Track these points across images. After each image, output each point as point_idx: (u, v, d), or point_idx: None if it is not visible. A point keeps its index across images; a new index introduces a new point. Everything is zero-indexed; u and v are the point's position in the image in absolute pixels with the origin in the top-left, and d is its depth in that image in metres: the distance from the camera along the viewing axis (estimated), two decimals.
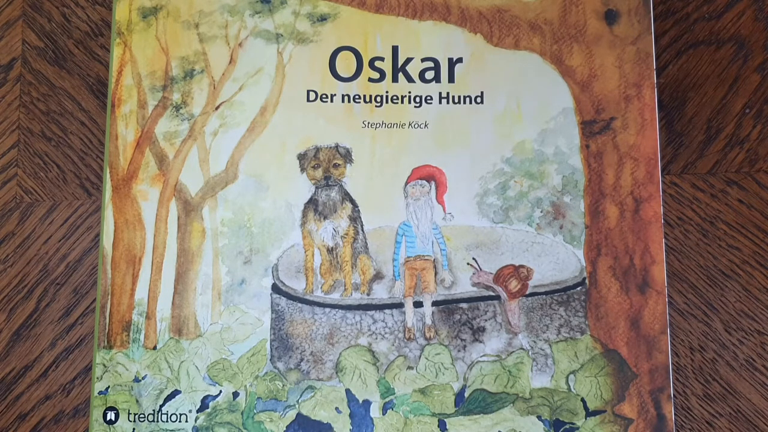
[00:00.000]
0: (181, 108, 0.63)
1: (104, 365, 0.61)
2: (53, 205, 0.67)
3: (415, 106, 0.63)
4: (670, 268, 0.64)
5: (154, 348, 0.61)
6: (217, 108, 0.63)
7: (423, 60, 0.64)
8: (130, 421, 0.61)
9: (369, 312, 0.61)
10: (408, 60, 0.64)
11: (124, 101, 0.63)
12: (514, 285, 0.61)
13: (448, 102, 0.63)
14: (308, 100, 0.63)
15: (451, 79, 0.63)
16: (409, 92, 0.63)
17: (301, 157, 0.62)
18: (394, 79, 0.64)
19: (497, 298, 0.61)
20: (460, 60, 0.64)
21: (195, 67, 0.64)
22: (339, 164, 0.62)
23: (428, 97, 0.63)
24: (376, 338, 0.61)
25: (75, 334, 0.65)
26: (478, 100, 0.63)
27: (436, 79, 0.63)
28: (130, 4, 0.65)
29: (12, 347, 0.65)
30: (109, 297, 0.61)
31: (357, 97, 0.63)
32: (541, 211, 0.62)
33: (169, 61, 0.64)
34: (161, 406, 0.61)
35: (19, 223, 0.67)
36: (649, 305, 0.61)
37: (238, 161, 0.63)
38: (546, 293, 0.61)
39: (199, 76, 0.64)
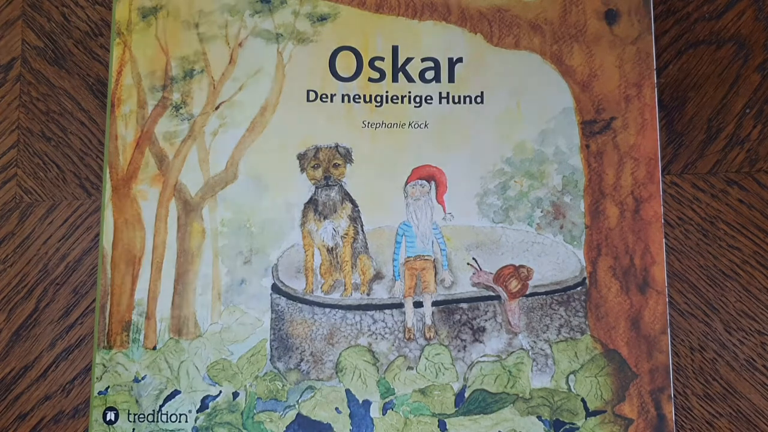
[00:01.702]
0: (180, 108, 0.64)
1: (104, 365, 0.62)
2: (53, 205, 0.67)
3: (415, 106, 0.64)
4: (670, 268, 0.64)
5: (154, 348, 0.62)
6: (216, 108, 0.64)
7: (423, 60, 0.64)
8: (130, 422, 0.61)
9: (369, 312, 0.62)
10: (408, 60, 0.64)
11: (123, 101, 0.64)
12: (514, 285, 0.62)
13: (448, 102, 0.64)
14: (308, 100, 0.64)
15: (451, 79, 0.64)
16: (409, 92, 0.64)
17: (301, 157, 0.63)
18: (394, 79, 0.64)
19: (497, 298, 0.62)
20: (460, 60, 0.64)
21: (195, 66, 0.64)
22: (339, 164, 0.63)
23: (428, 97, 0.64)
24: (376, 338, 0.62)
25: (75, 334, 0.66)
26: (478, 100, 0.64)
27: (436, 78, 0.64)
28: (130, 4, 0.65)
29: (12, 347, 0.66)
30: (109, 297, 0.62)
31: (357, 96, 0.64)
32: (541, 211, 0.63)
33: (169, 61, 0.65)
34: (161, 407, 0.61)
35: (18, 223, 0.67)
36: (649, 305, 0.62)
37: (238, 161, 0.63)
38: (546, 293, 0.62)
39: (199, 75, 0.64)
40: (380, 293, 0.62)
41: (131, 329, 0.62)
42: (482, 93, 0.64)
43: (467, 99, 0.64)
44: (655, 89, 0.63)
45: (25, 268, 0.66)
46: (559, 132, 0.63)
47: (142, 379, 0.62)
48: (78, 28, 0.69)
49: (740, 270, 0.64)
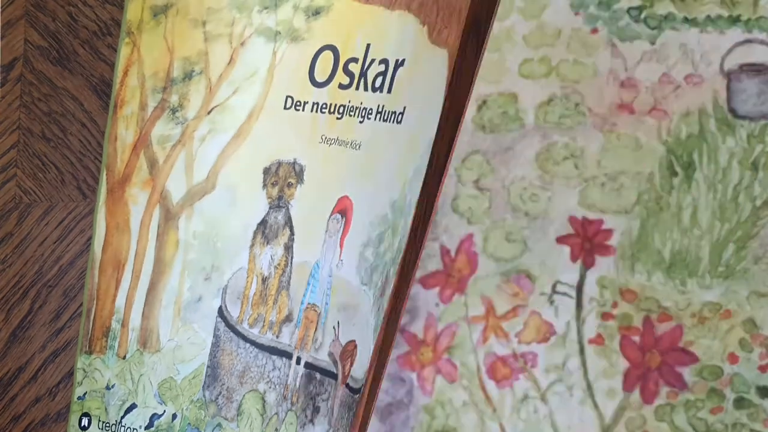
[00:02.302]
0: (177, 111, 0.72)
1: (84, 370, 0.74)
2: (50, 206, 0.79)
3: (360, 122, 0.65)
4: None
5: (124, 357, 0.73)
6: (209, 112, 0.71)
7: (379, 62, 0.65)
8: (99, 429, 0.73)
9: (273, 356, 0.67)
10: (371, 62, 0.65)
11: (127, 102, 0.73)
12: (349, 368, 0.62)
13: (379, 119, 0.64)
14: (285, 107, 0.68)
15: (389, 89, 0.64)
16: (361, 103, 0.65)
17: (266, 172, 0.68)
18: (357, 86, 0.66)
19: (335, 377, 0.63)
20: (402, 63, 0.64)
21: (195, 68, 0.71)
22: (292, 183, 0.67)
23: (370, 111, 0.65)
24: (270, 387, 0.66)
25: (63, 337, 0.78)
26: (400, 119, 0.63)
27: (380, 88, 0.64)
28: (143, 3, 0.73)
29: (9, 348, 0.79)
30: (95, 302, 0.74)
31: (324, 106, 0.66)
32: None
33: (173, 62, 0.72)
34: (122, 418, 0.72)
35: (17, 224, 0.80)
36: None
37: (219, 171, 0.70)
38: (351, 390, 0.62)
39: (198, 77, 0.71)
40: (285, 338, 0.66)
41: (109, 336, 0.73)
42: (404, 109, 0.63)
43: (391, 116, 0.64)
44: None
45: (22, 269, 0.79)
46: None
47: (112, 387, 0.73)
48: (86, 27, 0.79)
49: None
